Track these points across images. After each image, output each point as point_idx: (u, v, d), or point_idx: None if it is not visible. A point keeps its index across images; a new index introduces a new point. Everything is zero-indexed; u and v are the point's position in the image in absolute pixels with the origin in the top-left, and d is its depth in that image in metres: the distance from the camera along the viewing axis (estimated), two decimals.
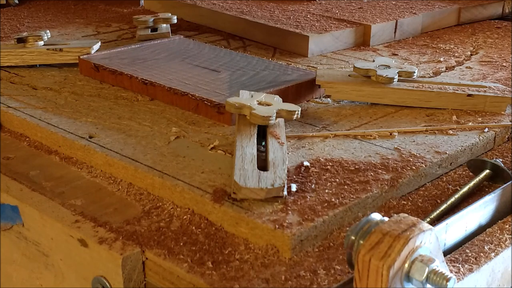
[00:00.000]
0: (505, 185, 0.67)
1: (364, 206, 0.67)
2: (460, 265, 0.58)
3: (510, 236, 0.62)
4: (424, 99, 0.89)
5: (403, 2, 1.43)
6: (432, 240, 0.50)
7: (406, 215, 0.50)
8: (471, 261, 0.58)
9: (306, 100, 0.94)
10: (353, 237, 0.51)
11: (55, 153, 0.80)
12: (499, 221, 0.65)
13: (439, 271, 0.48)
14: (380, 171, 0.72)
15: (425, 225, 0.50)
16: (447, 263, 0.55)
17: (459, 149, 0.78)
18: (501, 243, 0.61)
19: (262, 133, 0.76)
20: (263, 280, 0.57)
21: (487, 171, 0.73)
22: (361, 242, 0.50)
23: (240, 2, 1.41)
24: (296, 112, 0.78)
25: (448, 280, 0.48)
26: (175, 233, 0.63)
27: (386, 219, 0.51)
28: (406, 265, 0.48)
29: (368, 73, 0.92)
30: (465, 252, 0.59)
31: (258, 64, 1.02)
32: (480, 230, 0.63)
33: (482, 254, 0.60)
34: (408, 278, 0.49)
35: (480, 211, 0.63)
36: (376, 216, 0.52)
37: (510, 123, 0.86)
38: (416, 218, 0.50)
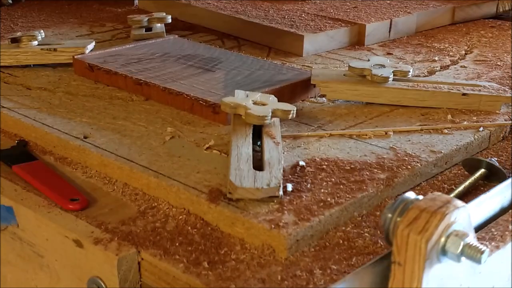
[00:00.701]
0: None
1: (360, 205, 0.67)
2: (487, 243, 0.59)
3: None
4: (419, 98, 0.89)
5: (398, 1, 1.43)
6: (465, 216, 0.52)
7: (440, 193, 0.53)
8: (497, 239, 0.59)
9: (301, 99, 0.94)
10: (390, 215, 0.53)
11: (49, 154, 0.80)
12: None
13: (473, 244, 0.50)
14: (375, 170, 0.72)
15: (458, 202, 0.52)
16: None
17: (454, 148, 0.78)
18: None
19: (258, 132, 0.76)
20: (259, 280, 0.57)
21: (482, 170, 0.73)
22: (398, 219, 0.52)
23: (235, 1, 1.40)
24: (292, 112, 0.78)
25: (482, 253, 0.50)
26: (170, 233, 0.63)
27: (420, 197, 0.53)
28: (442, 239, 0.50)
29: (363, 72, 0.92)
30: (490, 231, 0.61)
31: (253, 63, 1.02)
32: (503, 211, 0.65)
33: (507, 232, 0.61)
34: (444, 251, 0.51)
35: (503, 193, 0.65)
36: (410, 195, 0.54)
37: (505, 122, 0.86)
38: (449, 196, 0.53)
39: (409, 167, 0.73)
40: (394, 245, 0.51)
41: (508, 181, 0.65)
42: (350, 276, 0.52)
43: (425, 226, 0.50)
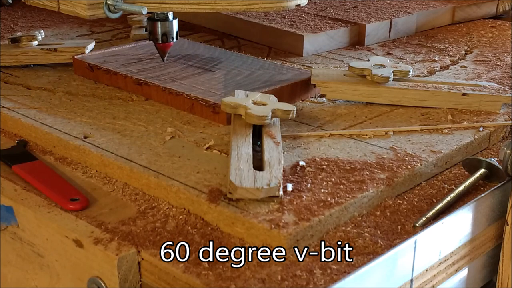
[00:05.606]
0: None
1: (360, 205, 0.67)
2: None
3: None
4: (419, 98, 0.89)
5: (398, 1, 1.43)
6: None
7: None
8: None
9: (301, 99, 0.94)
10: (508, 151, 0.70)
11: (49, 154, 0.80)
12: None
13: None
14: (375, 170, 0.72)
15: None
16: None
17: (454, 148, 0.78)
18: None
19: (258, 132, 0.76)
20: (259, 280, 0.57)
21: (483, 170, 0.73)
22: None
23: None
24: (292, 112, 0.78)
25: None
26: (170, 233, 0.63)
27: None
28: None
29: (363, 72, 0.92)
30: None
31: (253, 63, 1.02)
32: None
33: None
34: None
35: None
36: None
37: (505, 122, 0.86)
38: None
39: (409, 167, 0.73)
40: None
41: None
42: (473, 202, 0.68)
43: None
